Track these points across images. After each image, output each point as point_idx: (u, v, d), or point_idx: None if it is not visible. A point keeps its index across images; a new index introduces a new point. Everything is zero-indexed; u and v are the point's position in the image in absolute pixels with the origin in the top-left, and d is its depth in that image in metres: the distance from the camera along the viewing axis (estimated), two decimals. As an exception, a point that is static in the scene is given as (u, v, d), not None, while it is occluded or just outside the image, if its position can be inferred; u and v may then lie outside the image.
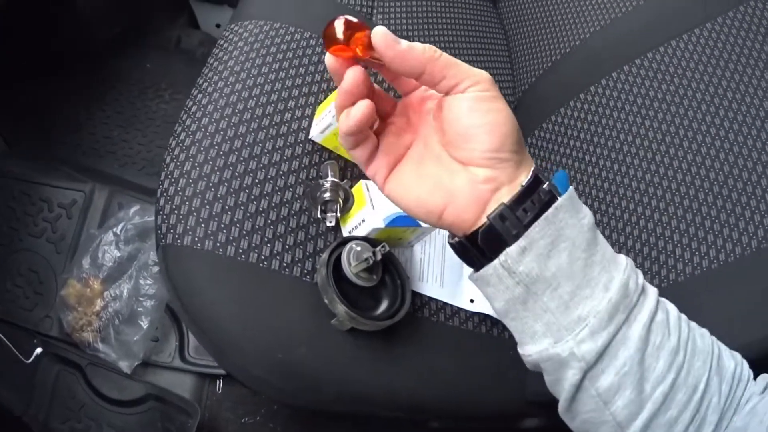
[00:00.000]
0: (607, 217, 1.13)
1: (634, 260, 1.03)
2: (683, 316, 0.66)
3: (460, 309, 1.06)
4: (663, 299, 0.65)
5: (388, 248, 0.92)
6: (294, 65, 1.17)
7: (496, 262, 0.61)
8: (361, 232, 0.97)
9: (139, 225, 1.62)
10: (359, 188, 1.01)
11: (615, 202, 1.12)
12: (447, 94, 0.62)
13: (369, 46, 0.58)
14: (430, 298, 1.04)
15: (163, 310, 1.55)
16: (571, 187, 0.63)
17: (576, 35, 1.41)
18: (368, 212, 0.97)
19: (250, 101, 1.08)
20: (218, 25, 2.40)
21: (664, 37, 1.21)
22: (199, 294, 0.93)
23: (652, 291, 0.64)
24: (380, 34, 0.57)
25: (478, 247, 0.63)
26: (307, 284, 0.95)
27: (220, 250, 0.93)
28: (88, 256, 1.58)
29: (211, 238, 0.93)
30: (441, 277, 1.05)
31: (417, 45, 0.59)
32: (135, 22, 2.26)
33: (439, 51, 0.59)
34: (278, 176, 1.02)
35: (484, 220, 0.61)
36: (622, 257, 0.64)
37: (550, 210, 0.60)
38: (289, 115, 1.10)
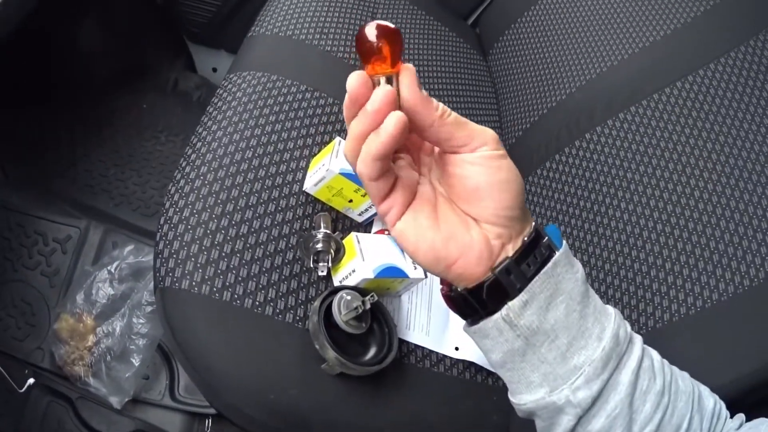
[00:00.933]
0: (589, 268, 1.16)
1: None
2: (665, 361, 0.68)
3: (445, 356, 1.08)
4: (646, 346, 0.67)
5: (376, 298, 0.94)
6: (290, 118, 1.20)
7: (497, 315, 0.62)
8: (352, 281, 1.00)
9: (134, 264, 1.64)
10: (350, 240, 1.04)
11: (597, 253, 1.15)
12: (452, 152, 0.61)
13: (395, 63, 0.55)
14: (417, 346, 1.06)
15: (154, 349, 1.57)
16: (565, 244, 0.64)
17: (562, 89, 1.44)
18: (358, 263, 0.99)
19: (247, 152, 1.11)
20: (215, 69, 2.42)
21: (647, 92, 1.25)
22: (196, 336, 0.96)
23: (638, 338, 0.66)
24: (411, 73, 0.56)
25: (479, 300, 0.62)
26: (299, 330, 0.98)
27: (217, 294, 0.96)
28: (82, 292, 1.60)
29: (208, 283, 0.96)
30: (427, 325, 1.08)
31: (433, 100, 0.58)
32: (134, 61, 2.28)
33: (448, 111, 0.58)
34: (273, 226, 1.05)
35: (489, 274, 0.61)
36: (610, 308, 0.66)
37: (549, 264, 0.61)
38: (284, 166, 1.13)
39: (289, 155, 1.15)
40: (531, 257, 0.61)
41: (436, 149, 0.65)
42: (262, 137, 1.15)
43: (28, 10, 1.44)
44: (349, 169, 1.05)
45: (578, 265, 0.65)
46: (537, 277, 0.61)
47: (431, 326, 1.09)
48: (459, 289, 0.64)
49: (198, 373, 0.96)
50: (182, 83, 2.33)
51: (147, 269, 1.65)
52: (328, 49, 1.40)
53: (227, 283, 0.97)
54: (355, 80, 0.55)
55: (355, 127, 0.57)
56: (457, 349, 1.09)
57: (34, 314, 1.64)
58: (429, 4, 1.77)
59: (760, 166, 1.03)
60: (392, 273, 1.00)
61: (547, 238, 0.63)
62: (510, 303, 0.61)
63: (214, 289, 0.96)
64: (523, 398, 0.66)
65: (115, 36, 2.23)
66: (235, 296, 0.97)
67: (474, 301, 0.63)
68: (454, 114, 0.59)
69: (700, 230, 1.03)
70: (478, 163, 0.60)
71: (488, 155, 0.60)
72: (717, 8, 1.30)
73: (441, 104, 0.58)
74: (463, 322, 0.69)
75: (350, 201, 1.09)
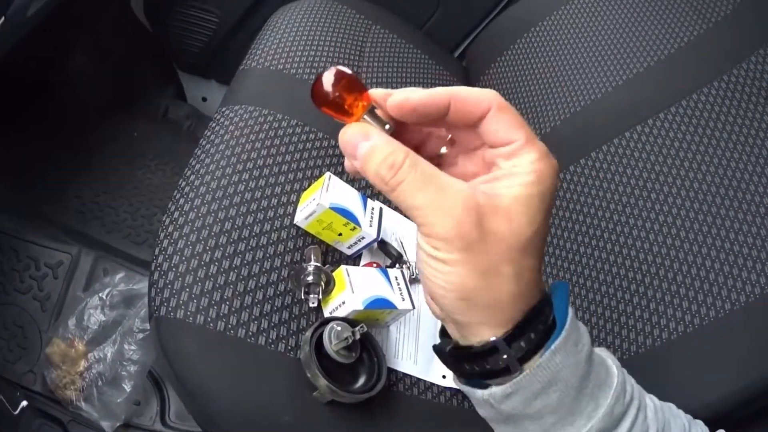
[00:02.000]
0: (573, 296, 1.19)
1: (597, 335, 1.10)
2: (658, 405, 0.64)
3: (432, 384, 1.11)
4: (643, 394, 0.63)
5: (366, 328, 0.97)
6: (281, 152, 1.23)
7: (480, 393, 0.57)
8: (341, 313, 1.02)
9: (125, 292, 1.66)
10: (340, 273, 1.06)
11: (581, 282, 1.18)
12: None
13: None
14: (405, 374, 1.09)
15: (145, 375, 1.58)
16: (570, 311, 0.56)
17: (547, 122, 1.48)
18: (348, 295, 1.02)
19: (240, 185, 1.14)
20: (204, 99, 2.45)
21: (630, 123, 1.29)
22: (191, 364, 0.98)
23: (635, 398, 0.60)
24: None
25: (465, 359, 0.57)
26: (291, 359, 1.00)
27: (211, 324, 0.98)
28: (74, 318, 1.62)
29: (203, 313, 0.99)
30: (415, 354, 1.11)
31: (369, 167, 0.50)
32: (125, 89, 2.31)
33: (394, 180, 0.49)
34: (265, 258, 1.08)
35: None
36: (614, 373, 0.59)
37: (546, 354, 0.53)
38: (276, 200, 1.16)
39: (280, 189, 1.18)
40: (523, 338, 0.53)
41: None
42: (254, 171, 1.18)
43: (20, 37, 1.47)
44: (339, 203, 1.08)
45: (584, 339, 0.57)
46: (526, 373, 0.54)
47: (419, 355, 1.11)
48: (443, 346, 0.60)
49: (193, 400, 0.98)
50: (172, 112, 2.35)
51: (138, 297, 1.67)
52: (318, 83, 1.42)
53: (221, 314, 1.00)
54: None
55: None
56: (444, 377, 1.12)
57: (25, 337, 1.66)
58: (416, 38, 1.81)
59: (742, 194, 1.07)
60: (381, 304, 1.02)
61: (522, 341, 0.54)
62: (494, 389, 0.56)
63: (209, 319, 0.99)
64: None
65: (106, 63, 2.26)
66: (229, 326, 0.99)
67: (451, 359, 0.60)
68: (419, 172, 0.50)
69: (681, 257, 1.07)
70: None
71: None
72: (702, 38, 1.34)
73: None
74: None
75: (339, 234, 1.12)
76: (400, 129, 0.55)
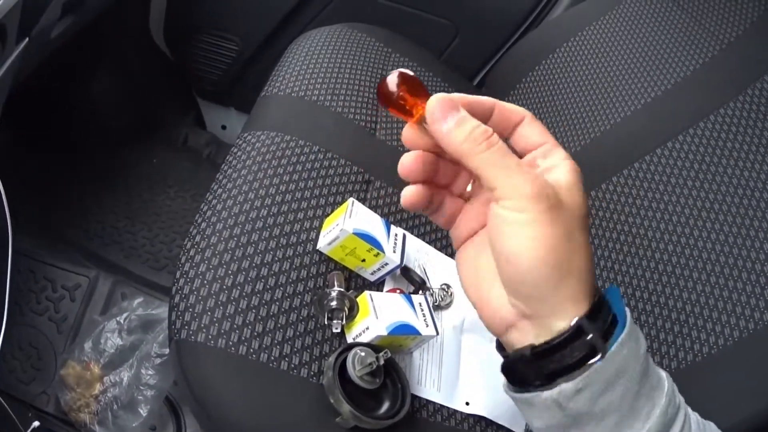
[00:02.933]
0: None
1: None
2: (700, 420, 0.63)
3: (456, 411, 1.10)
4: (688, 411, 0.62)
5: (390, 354, 0.97)
6: (303, 178, 1.23)
7: (547, 394, 0.56)
8: (365, 338, 1.02)
9: (143, 317, 1.65)
10: (363, 298, 1.06)
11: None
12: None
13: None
14: (428, 401, 1.08)
15: (162, 401, 1.57)
16: (627, 311, 0.58)
17: (566, 149, 1.47)
18: (372, 321, 1.02)
19: (262, 210, 1.15)
20: (224, 127, 2.46)
21: (650, 147, 1.29)
22: (212, 388, 0.98)
23: (682, 406, 0.61)
24: (433, 107, 0.55)
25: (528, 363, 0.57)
26: (314, 385, 1.00)
27: (232, 348, 0.98)
28: (91, 341, 1.61)
29: (224, 336, 0.99)
30: (438, 381, 1.11)
31: (460, 133, 0.54)
32: (146, 115, 2.33)
33: (485, 144, 0.54)
34: (287, 283, 1.08)
35: (508, 350, 0.59)
36: (664, 376, 0.60)
37: (615, 346, 0.54)
38: (298, 225, 1.16)
39: (302, 214, 1.18)
40: (558, 355, 0.55)
41: None
42: (277, 196, 1.18)
43: (43, 58, 1.49)
44: (362, 228, 1.08)
45: (641, 336, 0.59)
46: (596, 365, 0.54)
47: (442, 382, 1.11)
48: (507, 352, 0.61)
49: (213, 424, 0.98)
50: (192, 139, 2.37)
51: (156, 322, 1.66)
52: (339, 110, 1.44)
53: (243, 338, 1.00)
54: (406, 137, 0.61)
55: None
56: (467, 404, 1.11)
57: (40, 359, 1.65)
58: (436, 66, 1.82)
59: (762, 212, 1.07)
60: (405, 330, 1.02)
61: (591, 335, 0.55)
62: (564, 385, 0.55)
63: (230, 343, 0.99)
64: None
65: (126, 89, 2.29)
66: (251, 351, 0.99)
67: (522, 366, 0.59)
68: (495, 148, 0.54)
69: (704, 278, 1.07)
70: (494, 223, 0.55)
71: (506, 216, 0.54)
72: (716, 59, 1.36)
73: (479, 132, 0.54)
74: (476, 377, 0.66)
75: (363, 260, 1.12)
76: (436, 167, 0.62)
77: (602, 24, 1.63)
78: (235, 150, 1.29)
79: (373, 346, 0.99)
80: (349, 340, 1.06)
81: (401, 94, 0.57)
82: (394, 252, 1.11)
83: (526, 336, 0.57)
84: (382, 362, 0.96)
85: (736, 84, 1.27)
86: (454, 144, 0.55)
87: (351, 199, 1.14)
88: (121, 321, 1.65)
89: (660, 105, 1.37)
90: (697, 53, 1.40)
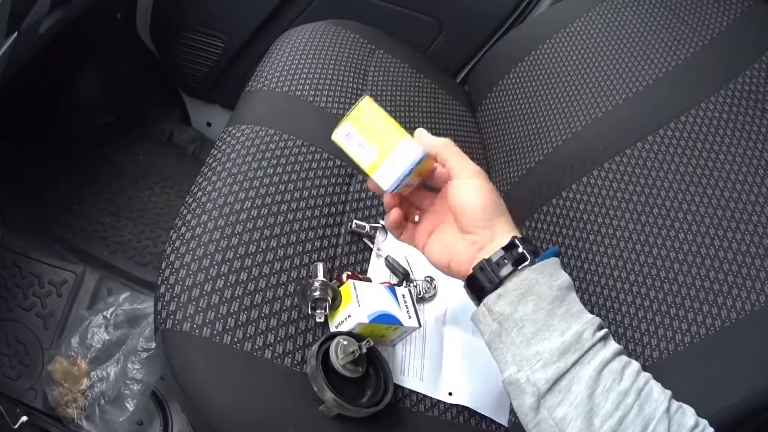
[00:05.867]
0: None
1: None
2: (645, 373, 0.79)
3: (439, 401, 1.11)
4: (629, 359, 0.80)
5: (372, 343, 0.97)
6: (287, 171, 1.25)
7: (481, 304, 0.84)
8: (347, 326, 1.03)
9: (129, 311, 1.66)
10: (347, 287, 1.07)
11: (584, 298, 1.19)
12: (452, 177, 0.90)
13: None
14: (411, 391, 1.09)
15: (149, 395, 1.58)
16: (554, 258, 0.85)
17: (549, 143, 1.49)
18: (354, 308, 1.03)
19: (246, 202, 1.16)
20: (209, 124, 2.48)
21: (629, 142, 1.30)
22: (197, 376, 0.98)
23: (613, 346, 0.80)
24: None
25: (469, 290, 0.88)
26: (297, 373, 1.01)
27: (217, 337, 0.99)
28: (77, 336, 1.62)
29: (209, 326, 1.00)
30: (421, 371, 1.12)
31: (438, 140, 0.93)
32: (131, 111, 2.35)
33: (453, 146, 0.93)
34: (271, 274, 1.09)
35: (470, 271, 0.87)
36: (590, 316, 0.81)
37: (525, 270, 0.82)
38: (282, 217, 1.17)
39: (286, 206, 1.19)
40: (501, 259, 0.83)
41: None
42: (261, 189, 1.19)
43: (31, 54, 1.49)
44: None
45: (561, 277, 0.84)
46: (511, 277, 0.82)
47: (425, 372, 1.12)
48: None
49: (197, 413, 0.98)
50: (177, 136, 2.39)
51: (142, 317, 1.67)
52: (323, 105, 1.46)
53: (227, 327, 1.01)
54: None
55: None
56: (450, 394, 1.12)
57: (27, 354, 1.65)
58: (420, 63, 1.83)
59: (743, 204, 1.09)
60: (386, 320, 1.03)
61: (521, 248, 0.83)
62: (489, 294, 0.83)
63: (215, 332, 1.00)
64: (502, 375, 0.82)
65: (112, 85, 2.31)
66: (235, 340, 1.00)
67: (467, 290, 0.89)
68: (456, 150, 0.93)
69: (685, 269, 1.07)
70: (455, 187, 0.90)
71: (464, 182, 0.89)
72: (698, 54, 1.38)
73: (447, 140, 0.94)
74: (458, 368, 0.99)
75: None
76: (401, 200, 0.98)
77: (585, 21, 1.65)
78: (220, 143, 1.30)
79: (356, 335, 1.00)
80: (332, 328, 1.07)
81: None
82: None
83: (481, 257, 0.86)
84: (364, 350, 0.97)
85: (717, 79, 1.29)
86: (437, 145, 0.93)
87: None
88: (108, 316, 1.66)
89: (642, 99, 1.39)
90: (679, 49, 1.42)
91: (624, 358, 0.79)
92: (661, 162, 1.23)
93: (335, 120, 1.38)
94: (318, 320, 1.06)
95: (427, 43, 2.06)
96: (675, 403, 0.77)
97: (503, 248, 0.84)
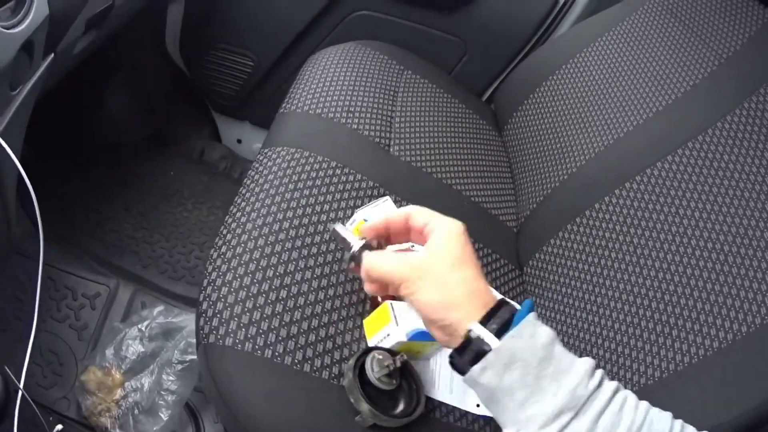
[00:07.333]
0: (584, 331, 1.25)
1: (610, 369, 1.15)
2: (643, 403, 0.78)
3: (467, 412, 1.15)
4: (626, 391, 0.79)
5: (405, 357, 1.02)
6: (322, 192, 1.29)
7: (467, 374, 0.81)
8: (386, 344, 1.08)
9: (164, 325, 1.71)
10: (385, 307, 1.11)
11: (599, 322, 1.23)
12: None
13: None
14: (442, 402, 1.13)
15: (182, 406, 1.62)
16: (530, 316, 0.80)
17: (572, 163, 1.53)
18: (393, 328, 1.07)
19: (284, 222, 1.20)
20: (239, 141, 2.51)
21: (652, 160, 1.34)
22: (239, 389, 1.03)
23: (608, 388, 0.77)
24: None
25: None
26: (334, 386, 1.05)
27: (259, 352, 1.04)
28: (112, 347, 1.66)
29: (251, 341, 1.04)
30: (450, 384, 1.15)
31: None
32: (161, 128, 2.39)
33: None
34: (309, 291, 1.14)
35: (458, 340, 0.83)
36: (582, 365, 0.78)
37: (505, 340, 0.77)
38: (318, 237, 1.22)
39: (322, 227, 1.24)
40: (467, 350, 0.81)
41: None
42: (297, 209, 1.24)
43: (65, 72, 1.53)
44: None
45: (542, 332, 0.79)
46: (491, 351, 0.77)
47: (454, 384, 1.16)
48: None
49: (238, 424, 1.02)
50: (208, 153, 2.42)
51: (176, 330, 1.71)
52: (355, 127, 1.50)
53: (268, 342, 1.05)
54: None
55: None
56: (478, 405, 1.16)
57: (61, 364, 1.69)
58: (446, 83, 1.88)
59: (756, 221, 1.13)
60: (423, 337, 1.07)
61: (480, 333, 0.80)
62: (473, 368, 0.79)
63: (257, 347, 1.04)
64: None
65: (143, 102, 2.34)
66: (276, 354, 1.04)
67: (457, 362, 0.84)
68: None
69: (700, 285, 1.12)
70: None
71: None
72: (715, 74, 1.41)
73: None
74: None
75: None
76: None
77: (605, 41, 1.69)
78: (257, 165, 1.35)
79: (390, 350, 1.05)
80: (370, 345, 1.12)
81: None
82: None
83: (451, 344, 0.84)
84: (398, 364, 1.02)
85: (733, 98, 1.32)
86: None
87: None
88: (143, 328, 1.70)
89: (661, 119, 1.42)
90: (697, 68, 1.45)
91: (620, 396, 0.77)
92: (680, 181, 1.26)
93: (367, 141, 1.43)
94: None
95: (453, 63, 2.09)
96: (677, 423, 0.77)
97: (467, 339, 0.81)
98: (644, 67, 1.55)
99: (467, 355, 0.81)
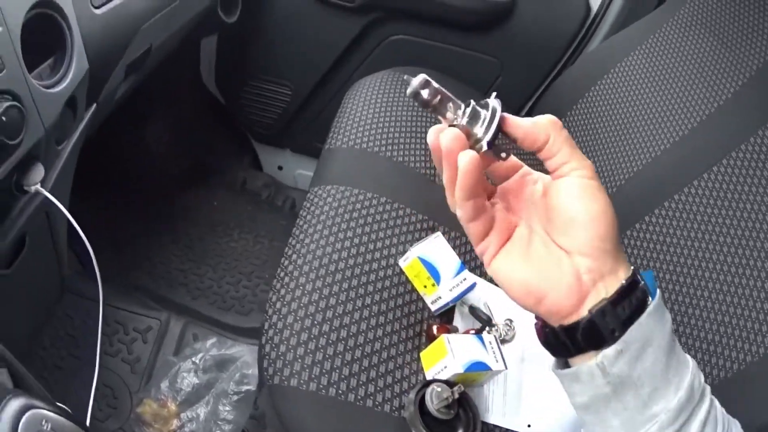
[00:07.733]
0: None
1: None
2: (727, 416, 0.69)
3: (519, 432, 1.20)
4: (712, 396, 0.67)
5: (462, 388, 1.07)
6: (374, 229, 1.34)
7: (592, 362, 0.63)
8: (444, 376, 1.12)
9: (217, 357, 1.75)
10: (441, 341, 1.16)
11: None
12: (553, 173, 0.65)
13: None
14: (496, 426, 1.18)
15: (239, 436, 1.65)
16: (658, 294, 0.64)
17: (612, 182, 1.56)
18: (449, 360, 1.12)
19: (340, 263, 1.25)
20: (280, 168, 2.55)
21: (689, 178, 1.36)
22: (306, 426, 1.08)
23: (707, 389, 0.66)
24: (510, 123, 0.64)
25: (573, 339, 0.64)
26: (396, 418, 1.10)
27: (323, 390, 1.08)
28: (167, 380, 1.70)
29: (315, 380, 1.09)
30: (503, 407, 1.20)
31: (541, 119, 0.64)
32: (202, 160, 2.42)
33: (562, 128, 0.64)
34: (368, 329, 1.18)
35: (584, 313, 0.63)
36: (688, 358, 0.66)
37: (644, 314, 0.61)
38: (374, 276, 1.26)
39: (377, 264, 1.28)
40: (626, 301, 0.62)
41: (531, 190, 0.70)
42: (351, 249, 1.28)
43: (106, 115, 1.56)
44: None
45: (668, 315, 0.65)
46: (632, 327, 0.61)
47: (506, 408, 1.20)
48: (555, 327, 0.66)
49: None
50: (250, 182, 2.45)
51: (230, 361, 1.75)
52: (400, 159, 1.54)
53: (332, 381, 1.10)
54: (431, 135, 0.66)
55: (444, 177, 0.65)
56: (529, 426, 1.21)
57: (115, 398, 1.72)
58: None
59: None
60: (478, 367, 1.12)
61: (643, 283, 0.63)
62: (605, 351, 0.62)
63: (321, 386, 1.09)
64: None
65: (183, 135, 2.38)
66: (340, 392, 1.09)
67: (567, 340, 0.64)
68: (566, 132, 0.64)
69: (736, 301, 1.16)
70: (574, 190, 0.63)
71: (585, 183, 0.63)
72: (739, 93, 1.43)
73: (553, 119, 0.65)
74: (536, 402, 0.76)
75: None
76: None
77: (637, 56, 1.72)
78: (308, 204, 1.39)
79: (448, 382, 1.10)
80: (429, 377, 1.17)
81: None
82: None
83: (599, 294, 0.63)
84: (456, 396, 1.06)
85: (759, 115, 1.34)
86: (543, 124, 0.64)
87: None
88: (197, 361, 1.74)
89: (699, 136, 1.45)
90: (725, 86, 1.47)
91: (713, 398, 0.67)
92: (716, 198, 1.30)
93: (413, 173, 1.46)
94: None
95: (489, 83, 2.13)
96: (737, 424, 0.70)
97: (626, 285, 0.63)
98: (677, 82, 1.57)
99: (606, 323, 0.62)
